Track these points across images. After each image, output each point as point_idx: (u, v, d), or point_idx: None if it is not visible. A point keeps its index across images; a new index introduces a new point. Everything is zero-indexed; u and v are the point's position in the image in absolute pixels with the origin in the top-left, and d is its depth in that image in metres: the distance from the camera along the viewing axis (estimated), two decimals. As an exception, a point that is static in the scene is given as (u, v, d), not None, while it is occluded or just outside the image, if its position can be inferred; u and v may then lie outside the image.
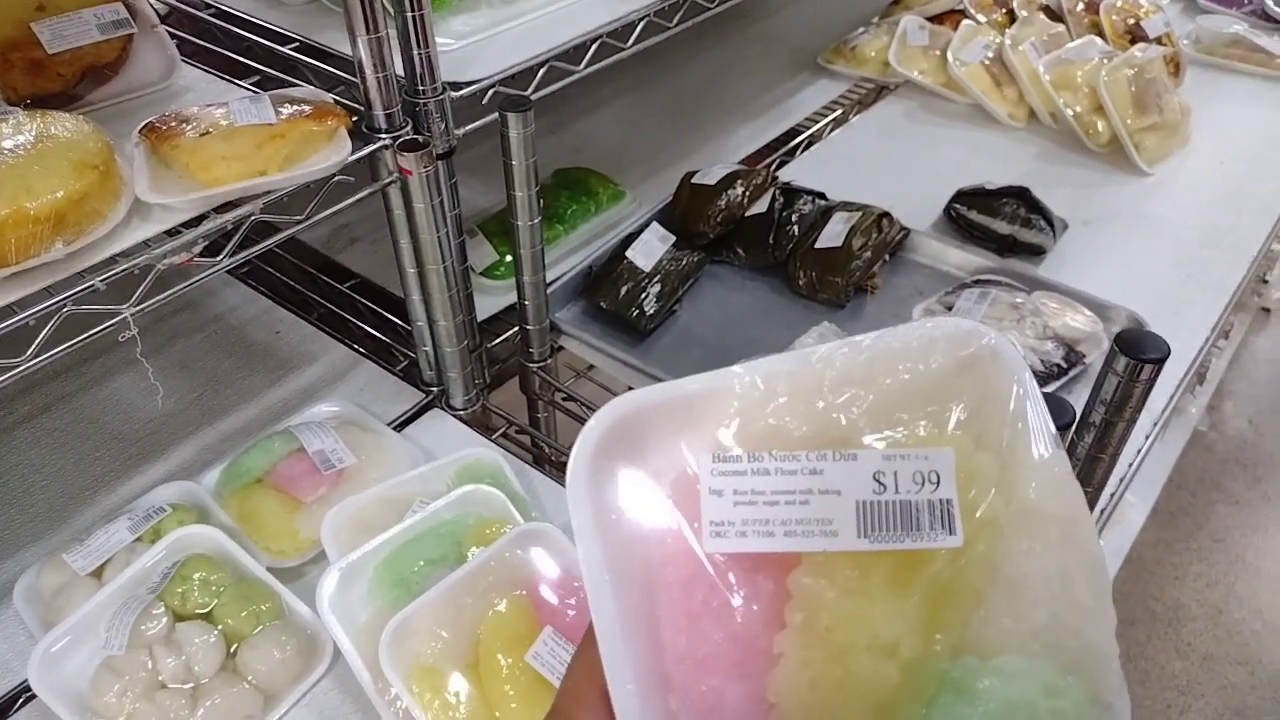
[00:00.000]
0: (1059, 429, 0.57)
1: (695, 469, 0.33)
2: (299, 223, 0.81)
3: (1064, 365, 0.99)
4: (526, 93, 0.91)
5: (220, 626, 0.75)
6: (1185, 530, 1.90)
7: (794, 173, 1.36)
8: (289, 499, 0.87)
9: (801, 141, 1.48)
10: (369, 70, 0.81)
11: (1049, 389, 0.97)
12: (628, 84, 1.58)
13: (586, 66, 0.96)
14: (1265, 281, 2.17)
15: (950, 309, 1.05)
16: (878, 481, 0.32)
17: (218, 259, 0.78)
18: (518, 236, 0.95)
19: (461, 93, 0.87)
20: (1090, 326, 1.03)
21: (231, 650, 0.75)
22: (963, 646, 0.32)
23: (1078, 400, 0.99)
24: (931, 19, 1.61)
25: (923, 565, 0.32)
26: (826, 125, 1.52)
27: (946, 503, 0.32)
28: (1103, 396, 0.62)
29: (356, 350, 1.08)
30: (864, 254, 1.11)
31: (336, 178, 0.82)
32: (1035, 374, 0.97)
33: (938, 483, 0.32)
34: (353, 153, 0.82)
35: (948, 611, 0.32)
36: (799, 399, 0.33)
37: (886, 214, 1.16)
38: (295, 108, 0.82)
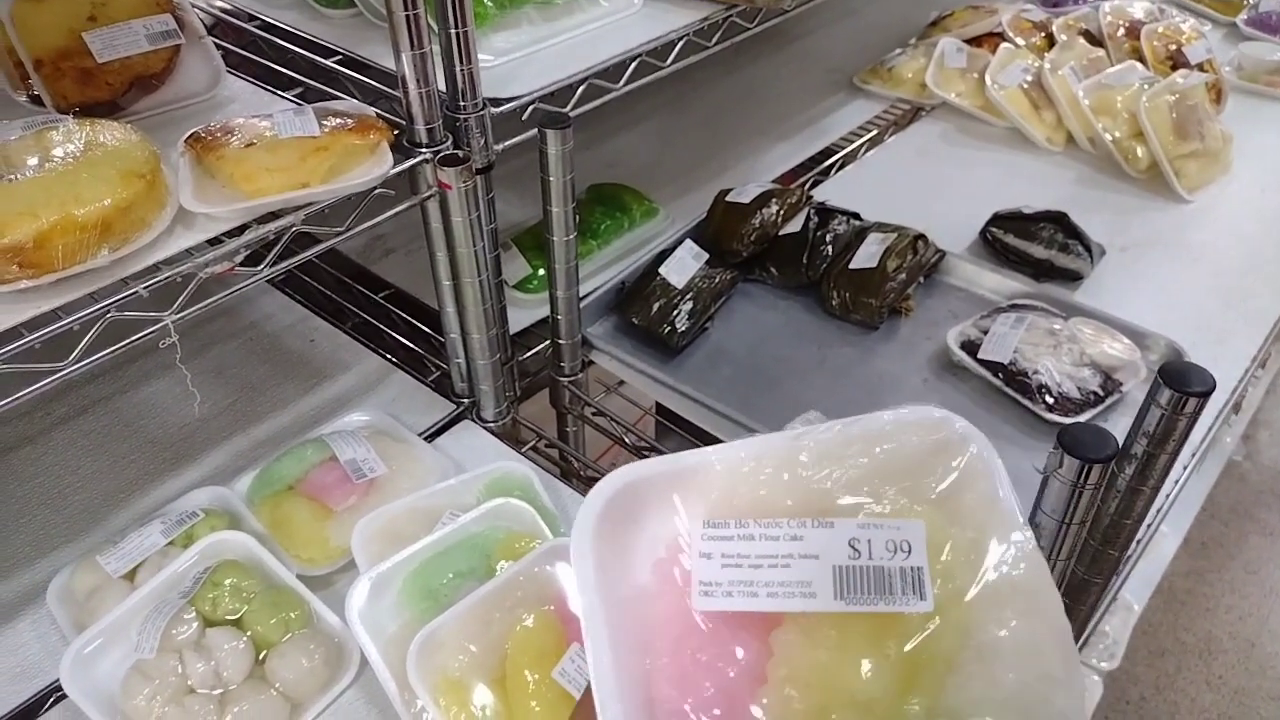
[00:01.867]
0: (1101, 460, 0.56)
1: (688, 534, 0.36)
2: (339, 234, 0.82)
3: (1100, 394, 0.98)
4: (565, 109, 0.92)
5: (249, 633, 0.76)
6: (1218, 561, 1.87)
7: (828, 192, 1.36)
8: (320, 507, 0.88)
9: (836, 161, 1.48)
10: (411, 85, 0.82)
11: (1085, 417, 0.96)
12: (663, 100, 1.58)
13: (625, 84, 0.97)
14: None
15: (986, 333, 1.04)
16: (853, 548, 0.35)
17: (258, 268, 0.78)
18: (553, 251, 0.95)
19: (502, 109, 0.87)
20: (1128, 355, 1.02)
21: (260, 657, 0.76)
22: (937, 709, 0.33)
23: (1114, 429, 0.98)
24: (969, 41, 1.61)
25: (897, 629, 0.34)
26: (861, 145, 1.51)
27: (917, 570, 0.34)
28: (1145, 429, 0.61)
29: (389, 360, 1.09)
30: (899, 275, 1.10)
31: (377, 190, 0.83)
32: (1071, 401, 0.97)
33: (909, 551, 0.35)
34: (393, 166, 0.82)
35: (923, 675, 0.34)
36: (783, 473, 0.36)
37: (922, 236, 1.16)
38: (338, 120, 0.83)
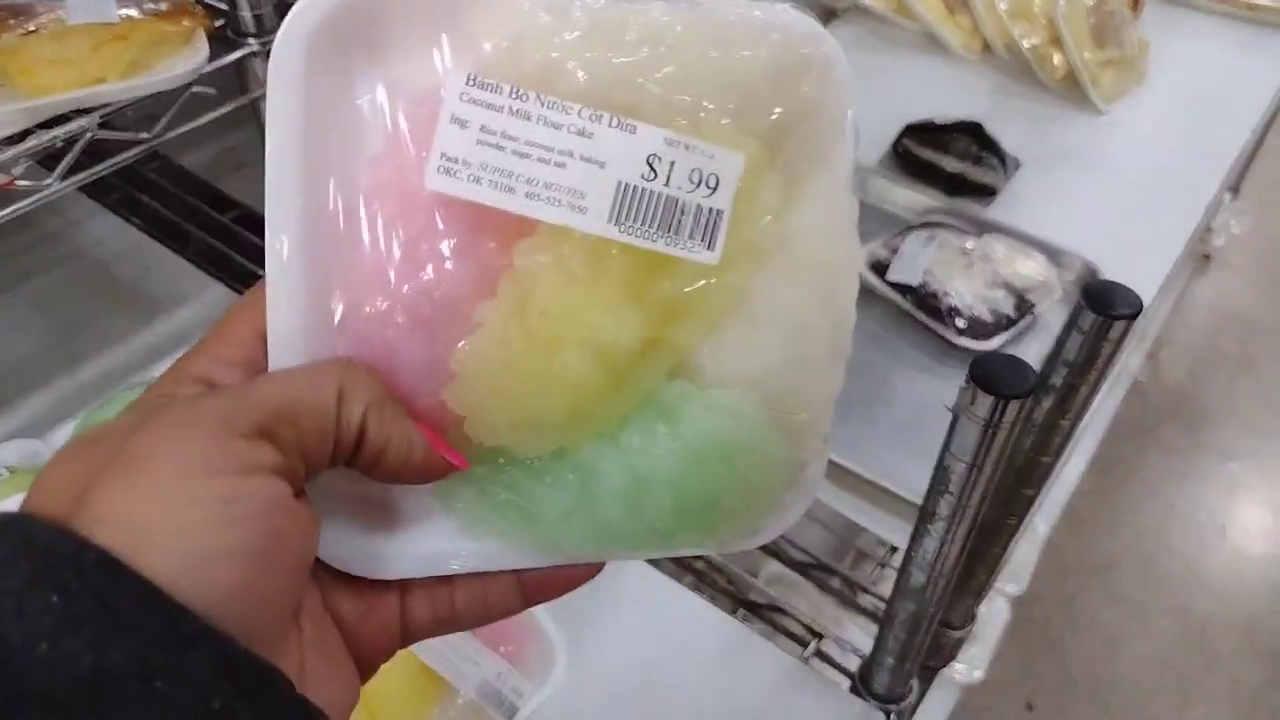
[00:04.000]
0: (1019, 396, 0.49)
1: (442, 87, 0.27)
2: (145, 142, 0.69)
3: (1013, 316, 0.92)
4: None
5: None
6: (1119, 478, 1.89)
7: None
8: (149, 460, 0.76)
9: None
10: (228, -42, 0.69)
11: (997, 341, 0.90)
12: None
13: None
14: (1209, 229, 2.14)
15: (895, 253, 0.97)
16: (650, 166, 0.28)
17: (44, 182, 0.66)
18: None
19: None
20: (1042, 274, 0.96)
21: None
22: (681, 370, 0.30)
23: (1028, 354, 0.93)
24: (883, -61, 1.51)
25: (666, 276, 0.29)
26: (769, 52, 1.41)
27: (716, 213, 0.29)
28: (1065, 357, 0.54)
29: (237, 290, 0.97)
30: (804, 191, 1.02)
31: (194, 89, 0.70)
32: (983, 324, 0.91)
33: (715, 188, 0.28)
34: (212, 59, 0.69)
35: (678, 332, 0.29)
36: (593, 42, 0.28)
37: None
38: (144, 4, 0.70)
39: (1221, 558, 1.78)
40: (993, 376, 0.48)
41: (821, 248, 0.30)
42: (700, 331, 0.29)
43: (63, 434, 0.80)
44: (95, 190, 0.99)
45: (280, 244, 0.27)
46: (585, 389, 0.28)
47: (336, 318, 0.28)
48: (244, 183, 1.08)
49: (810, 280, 0.30)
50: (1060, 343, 0.55)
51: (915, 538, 0.56)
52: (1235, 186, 2.01)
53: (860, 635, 0.71)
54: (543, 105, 0.27)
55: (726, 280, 0.29)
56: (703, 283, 0.29)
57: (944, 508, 0.53)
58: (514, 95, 0.27)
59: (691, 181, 0.28)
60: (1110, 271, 0.97)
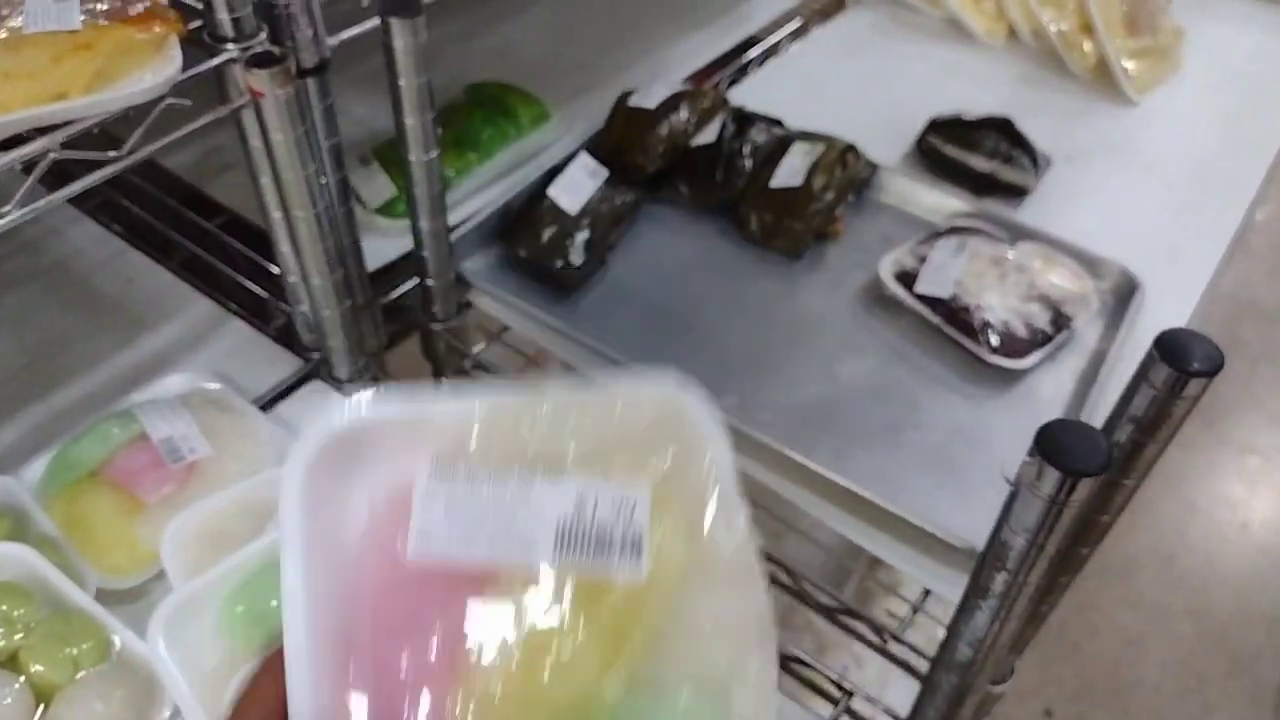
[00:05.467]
0: (1092, 473, 0.43)
1: (412, 480, 0.35)
2: (114, 161, 0.63)
3: (1049, 332, 0.86)
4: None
5: (26, 675, 0.60)
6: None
7: (745, 94, 1.20)
8: (128, 499, 0.71)
9: (755, 57, 1.30)
10: (203, -42, 0.62)
11: (1032, 358, 0.85)
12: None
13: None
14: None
15: (923, 261, 0.91)
16: (578, 506, 0.35)
17: (3, 209, 0.60)
18: (411, 174, 0.77)
19: (332, -9, 0.68)
20: (1078, 284, 0.90)
21: (42, 707, 0.60)
22: (639, 679, 0.34)
23: (1063, 372, 0.88)
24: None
25: (608, 595, 0.34)
26: (784, 38, 1.34)
27: (638, 536, 0.35)
28: (1133, 413, 0.49)
29: (224, 305, 0.91)
30: (826, 195, 0.96)
31: (167, 101, 0.64)
32: (1018, 340, 0.86)
33: (632, 514, 0.35)
34: (186, 68, 0.63)
35: (626, 644, 0.34)
36: (518, 422, 0.36)
37: (852, 147, 1.01)
38: (110, 7, 0.63)
39: (1243, 555, 1.74)
40: (1063, 449, 0.43)
41: (728, 552, 0.36)
42: (648, 642, 0.34)
43: (37, 467, 0.75)
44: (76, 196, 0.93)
45: (295, 623, 0.33)
46: (559, 703, 0.33)
47: (349, 677, 0.33)
48: (229, 186, 1.02)
49: (727, 583, 0.35)
50: (1126, 398, 0.49)
51: (964, 610, 0.51)
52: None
53: (895, 691, 0.66)
54: (488, 475, 0.35)
55: (657, 593, 0.34)
56: (639, 599, 0.34)
57: (999, 584, 0.48)
58: (467, 473, 0.35)
59: (613, 512, 0.35)
60: (1150, 276, 0.92)
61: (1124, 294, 0.92)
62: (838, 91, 1.22)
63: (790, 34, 1.35)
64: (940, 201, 1.01)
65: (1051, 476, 0.43)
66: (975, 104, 1.11)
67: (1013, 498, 0.46)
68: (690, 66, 1.27)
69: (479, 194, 1.03)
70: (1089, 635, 1.60)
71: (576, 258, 0.91)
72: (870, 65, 1.28)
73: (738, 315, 0.91)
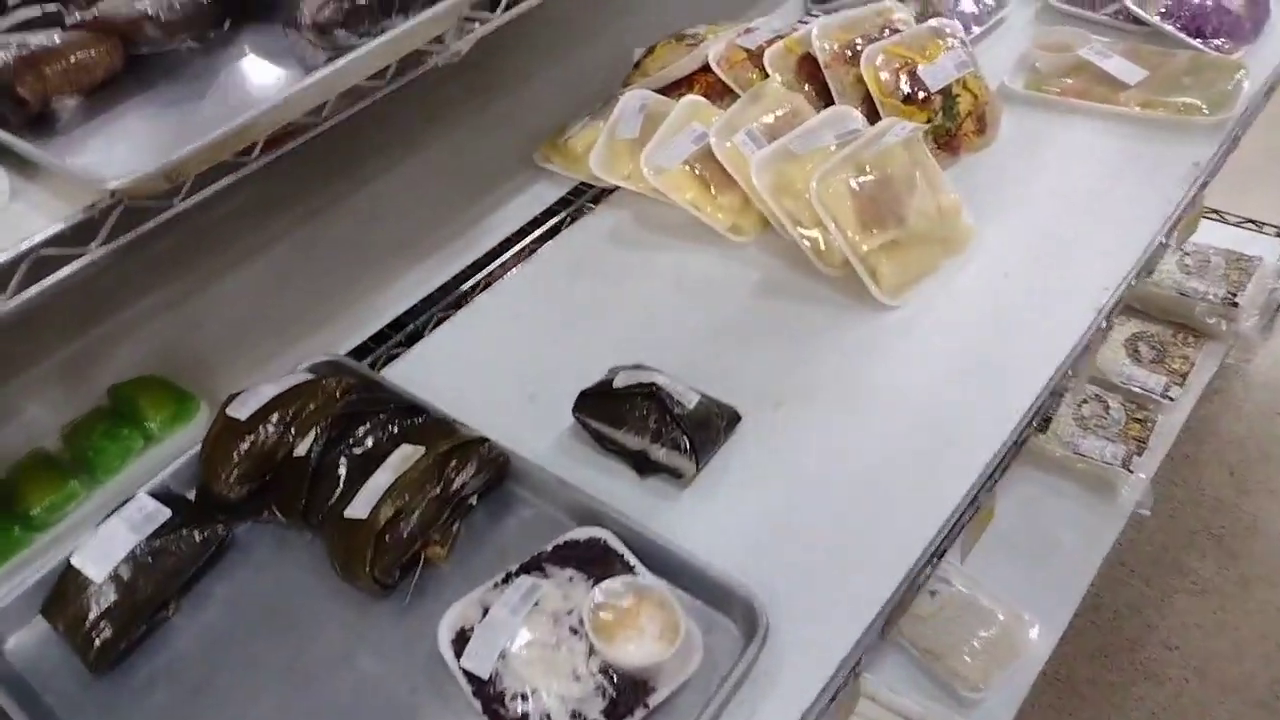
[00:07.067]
0: None
1: None
2: None
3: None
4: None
5: None
6: (1136, 633, 1.56)
7: (436, 345, 1.07)
8: None
9: (478, 281, 1.16)
10: None
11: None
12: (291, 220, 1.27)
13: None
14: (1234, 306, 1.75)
15: (486, 611, 0.74)
16: None
17: None
18: None
19: None
20: (662, 649, 0.70)
21: None
22: None
23: None
24: (669, 88, 1.27)
25: None
26: (519, 251, 1.20)
27: None
28: None
29: None
30: (402, 526, 0.81)
31: None
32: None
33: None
34: None
35: None
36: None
37: (481, 440, 0.86)
38: None
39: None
40: None
41: None
42: None
43: None
44: None
45: None
46: None
47: None
48: None
49: None
50: None
51: None
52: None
53: None
54: None
55: None
56: None
57: None
58: None
59: None
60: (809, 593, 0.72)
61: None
62: (545, 328, 1.07)
63: (527, 247, 1.20)
64: (593, 489, 0.84)
65: None
66: (706, 320, 1.03)
67: None
68: (405, 303, 1.14)
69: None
70: None
71: (103, 635, 0.79)
72: (596, 286, 1.11)
73: (284, 683, 0.77)
